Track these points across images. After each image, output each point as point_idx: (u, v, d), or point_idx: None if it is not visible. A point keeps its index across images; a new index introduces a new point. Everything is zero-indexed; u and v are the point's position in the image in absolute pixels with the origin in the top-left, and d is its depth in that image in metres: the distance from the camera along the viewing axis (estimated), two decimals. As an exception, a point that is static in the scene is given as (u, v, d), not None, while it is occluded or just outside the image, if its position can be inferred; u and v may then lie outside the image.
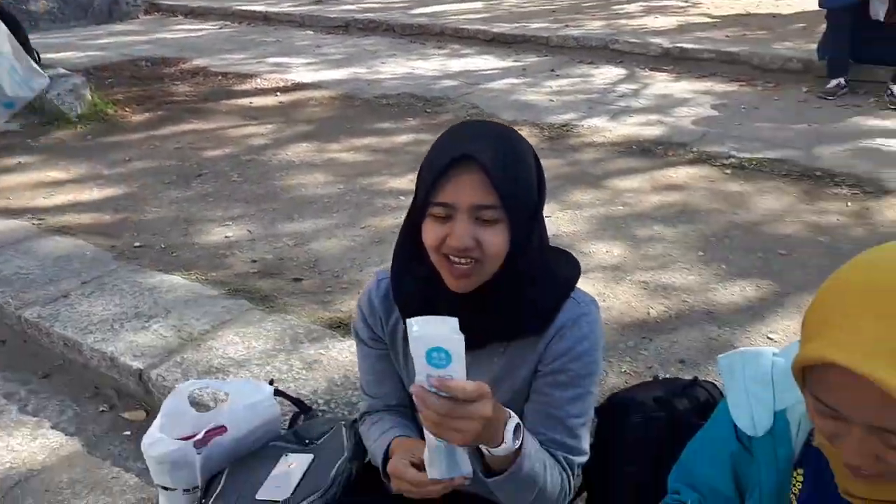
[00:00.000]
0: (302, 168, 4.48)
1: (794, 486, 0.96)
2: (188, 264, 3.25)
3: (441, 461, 1.08)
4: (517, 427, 1.11)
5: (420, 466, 1.17)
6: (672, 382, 1.54)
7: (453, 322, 0.96)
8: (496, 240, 1.14)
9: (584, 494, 1.58)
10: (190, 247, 3.45)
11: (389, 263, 1.36)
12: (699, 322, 2.69)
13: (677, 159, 4.52)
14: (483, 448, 1.10)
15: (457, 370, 0.97)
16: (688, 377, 1.60)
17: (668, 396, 1.43)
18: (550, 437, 1.26)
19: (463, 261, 1.14)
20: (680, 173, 4.31)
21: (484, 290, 1.20)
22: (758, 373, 0.99)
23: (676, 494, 1.13)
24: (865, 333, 0.70)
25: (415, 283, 1.27)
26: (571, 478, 1.28)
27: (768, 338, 2.54)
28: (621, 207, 3.86)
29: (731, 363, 1.04)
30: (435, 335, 0.96)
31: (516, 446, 1.10)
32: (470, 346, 1.25)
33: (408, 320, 0.97)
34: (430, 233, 1.16)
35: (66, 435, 2.35)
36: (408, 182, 4.14)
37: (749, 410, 0.98)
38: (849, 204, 3.82)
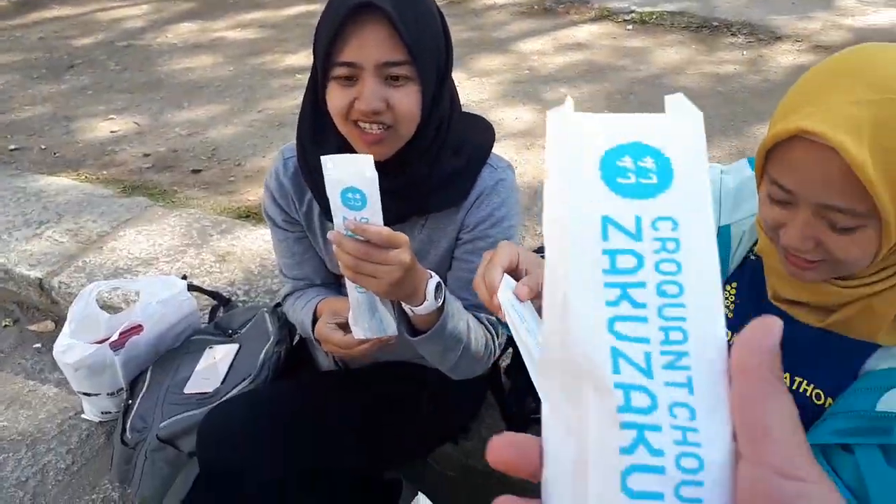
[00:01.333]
0: (186, 51, 4.14)
1: (727, 299, 1.01)
2: (75, 164, 3.01)
3: (364, 318, 1.08)
4: (438, 286, 1.10)
5: (346, 329, 1.16)
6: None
7: (367, 160, 0.91)
8: (407, 100, 1.06)
9: (511, 351, 1.63)
10: (73, 145, 3.19)
11: (293, 142, 1.27)
12: (608, 179, 2.75)
13: (579, 17, 4.46)
14: (406, 308, 1.10)
15: (373, 213, 0.95)
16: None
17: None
18: (473, 301, 1.27)
19: (374, 127, 1.07)
20: (582, 32, 4.26)
21: (399, 160, 1.14)
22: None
23: None
24: (835, 110, 0.72)
25: (316, 146, 1.17)
26: (496, 337, 1.30)
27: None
28: (527, 72, 3.81)
29: None
30: (349, 174, 0.92)
31: (438, 304, 1.09)
32: (389, 221, 1.22)
33: (322, 158, 0.91)
34: (335, 99, 1.06)
35: (-31, 355, 2.22)
36: (304, 58, 3.92)
37: None
38: (744, 53, 3.91)
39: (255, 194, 2.73)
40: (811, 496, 0.26)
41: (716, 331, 0.31)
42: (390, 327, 1.10)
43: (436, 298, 1.08)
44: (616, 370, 0.30)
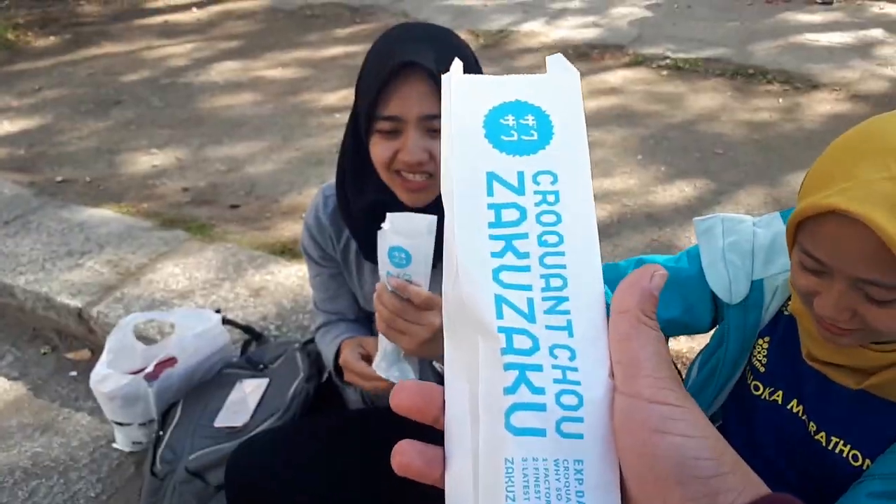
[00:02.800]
0: (227, 88, 4.27)
1: (759, 353, 1.00)
2: (117, 196, 3.10)
3: (388, 363, 1.09)
4: None
5: (370, 360, 1.17)
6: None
7: (425, 221, 0.93)
8: None
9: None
10: (117, 178, 3.29)
11: (332, 180, 1.30)
12: (640, 224, 2.75)
13: (614, 62, 4.50)
14: (436, 364, 1.11)
15: (418, 272, 0.96)
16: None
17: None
18: None
19: (417, 176, 1.10)
20: (617, 77, 4.29)
21: (438, 205, 1.16)
22: (739, 242, 0.98)
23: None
24: (867, 185, 0.71)
25: (364, 202, 1.21)
26: None
27: (707, 235, 2.61)
28: (560, 114, 3.84)
29: (711, 226, 1.02)
30: (400, 232, 0.94)
31: None
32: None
33: (388, 214, 0.94)
34: (379, 150, 1.09)
35: (8, 380, 2.27)
36: (341, 98, 4.01)
37: (726, 278, 0.97)
38: (780, 100, 3.90)
39: (290, 230, 2.77)
40: (678, 417, 0.28)
41: (593, 276, 0.34)
42: (411, 376, 1.11)
43: None
44: (500, 316, 0.32)
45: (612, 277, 1.07)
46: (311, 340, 1.79)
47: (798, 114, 3.74)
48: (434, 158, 1.08)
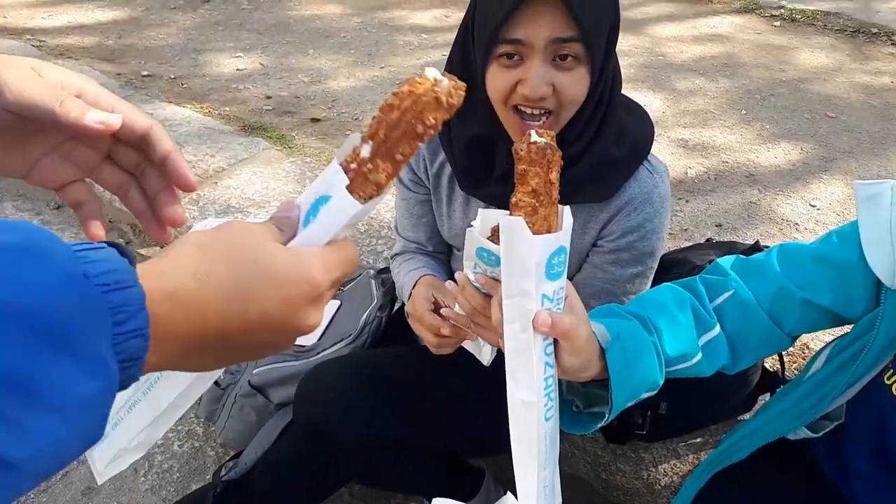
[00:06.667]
0: (317, -3, 4.16)
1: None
2: (200, 96, 3.07)
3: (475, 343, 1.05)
4: None
5: (438, 311, 1.11)
6: (728, 245, 1.42)
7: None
8: (575, 87, 0.96)
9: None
10: (201, 78, 3.25)
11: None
12: (739, 184, 2.57)
13: (723, 7, 4.18)
14: None
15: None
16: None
17: (725, 260, 1.32)
18: None
19: (536, 112, 0.98)
20: (725, 23, 3.99)
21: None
22: None
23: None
24: None
25: (467, 134, 1.10)
26: None
27: (811, 205, 2.42)
28: (660, 57, 3.60)
29: (878, 194, 0.85)
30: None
31: None
32: None
33: (480, 210, 0.84)
34: (497, 80, 0.97)
35: (83, 267, 2.31)
36: (432, 18, 3.85)
37: (892, 256, 0.83)
38: (906, 65, 3.56)
39: (368, 150, 2.70)
40: None
41: None
42: (485, 358, 1.05)
43: None
44: None
45: (758, 272, 0.95)
46: (387, 269, 1.73)
47: (926, 82, 3.41)
48: (558, 93, 0.96)
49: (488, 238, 0.80)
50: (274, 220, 0.53)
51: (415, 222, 1.34)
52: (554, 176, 0.74)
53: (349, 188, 0.53)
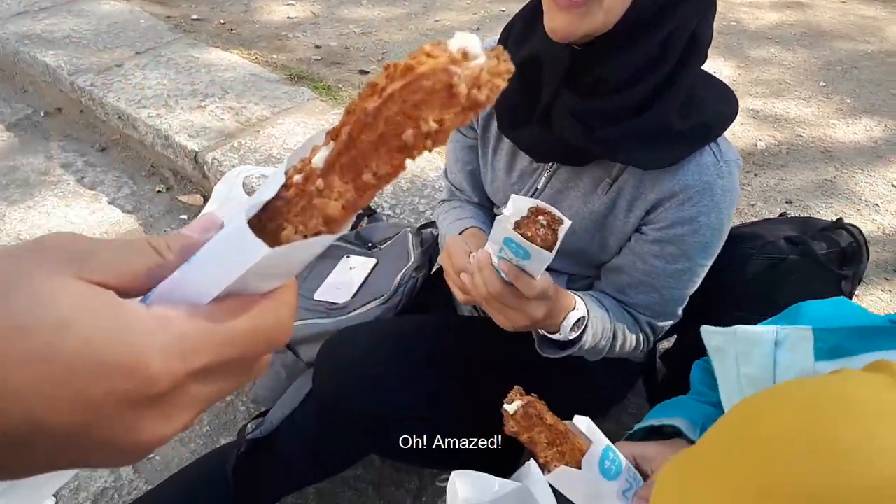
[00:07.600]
0: (374, -53, 4.01)
1: None
2: (248, 43, 2.99)
3: None
4: (579, 320, 0.95)
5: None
6: (806, 222, 1.27)
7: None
8: None
9: (675, 336, 1.41)
10: (250, 24, 3.17)
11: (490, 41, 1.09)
12: (813, 160, 2.37)
13: (806, -29, 3.89)
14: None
15: (534, 268, 0.82)
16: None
17: (803, 237, 1.18)
18: (640, 301, 1.06)
19: None
20: (807, -12, 3.71)
21: (591, 52, 0.88)
22: (758, 367, 0.71)
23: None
24: None
25: (521, 54, 0.96)
26: (650, 338, 1.11)
27: (893, 185, 2.22)
28: (733, 23, 3.37)
29: (723, 345, 0.76)
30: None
31: (572, 337, 0.96)
32: (571, 160, 1.01)
33: (512, 196, 0.79)
34: None
35: (123, 212, 2.27)
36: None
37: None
38: None
39: (416, 106, 2.58)
40: None
41: None
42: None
43: (571, 333, 0.95)
44: None
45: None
46: (425, 226, 1.63)
47: None
48: None
49: (517, 230, 0.77)
50: (171, 241, 0.32)
51: (461, 167, 1.25)
52: (549, 416, 0.78)
53: (282, 215, 0.30)
